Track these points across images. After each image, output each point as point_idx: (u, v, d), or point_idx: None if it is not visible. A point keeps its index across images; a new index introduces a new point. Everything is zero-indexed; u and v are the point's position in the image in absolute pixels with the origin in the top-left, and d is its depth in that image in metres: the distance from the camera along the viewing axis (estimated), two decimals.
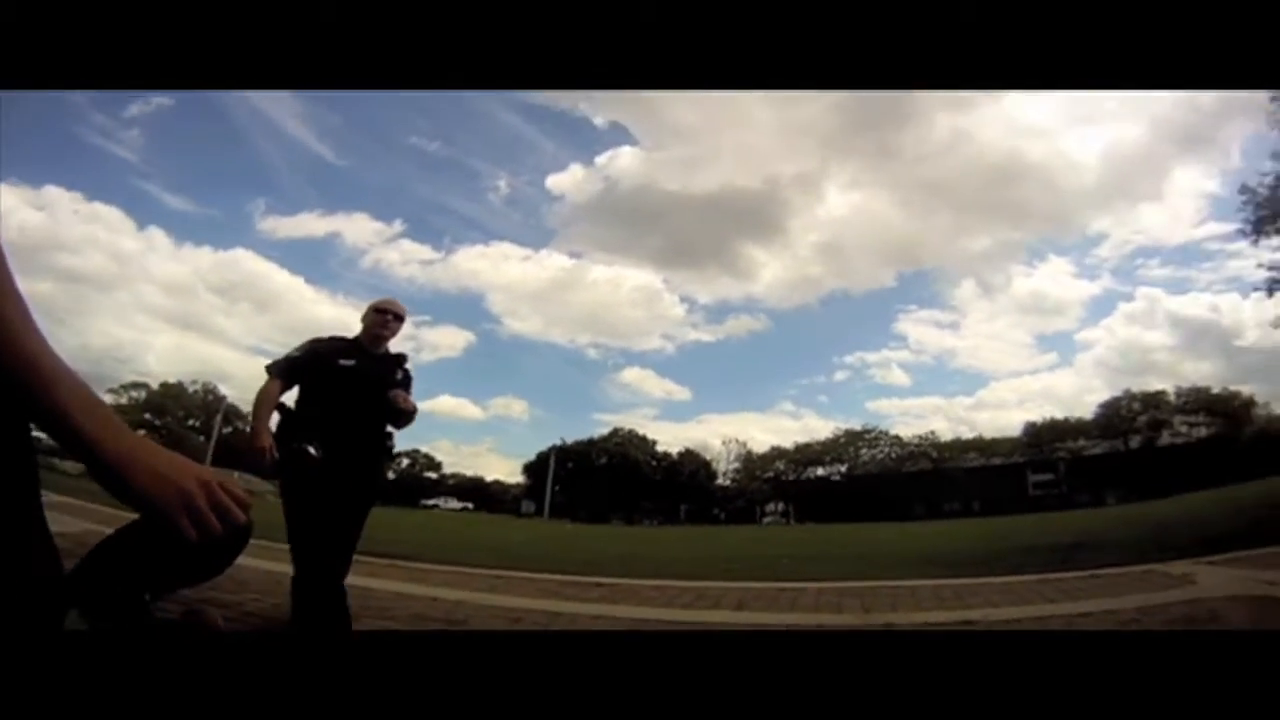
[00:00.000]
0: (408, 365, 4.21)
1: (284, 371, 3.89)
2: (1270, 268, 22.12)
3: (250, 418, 3.94)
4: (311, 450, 3.70)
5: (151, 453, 0.83)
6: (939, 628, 4.10)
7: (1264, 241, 21.87)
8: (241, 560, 1.08)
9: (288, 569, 3.62)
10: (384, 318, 4.07)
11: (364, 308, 4.17)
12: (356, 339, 4.10)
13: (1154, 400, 68.27)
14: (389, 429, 4.03)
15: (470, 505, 76.81)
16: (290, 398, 3.96)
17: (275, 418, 3.88)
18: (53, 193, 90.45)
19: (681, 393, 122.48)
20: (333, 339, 4.09)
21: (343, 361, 3.93)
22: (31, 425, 0.80)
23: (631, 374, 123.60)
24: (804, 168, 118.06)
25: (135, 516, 0.96)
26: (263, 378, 3.85)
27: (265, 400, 3.83)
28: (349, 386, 3.87)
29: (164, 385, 72.69)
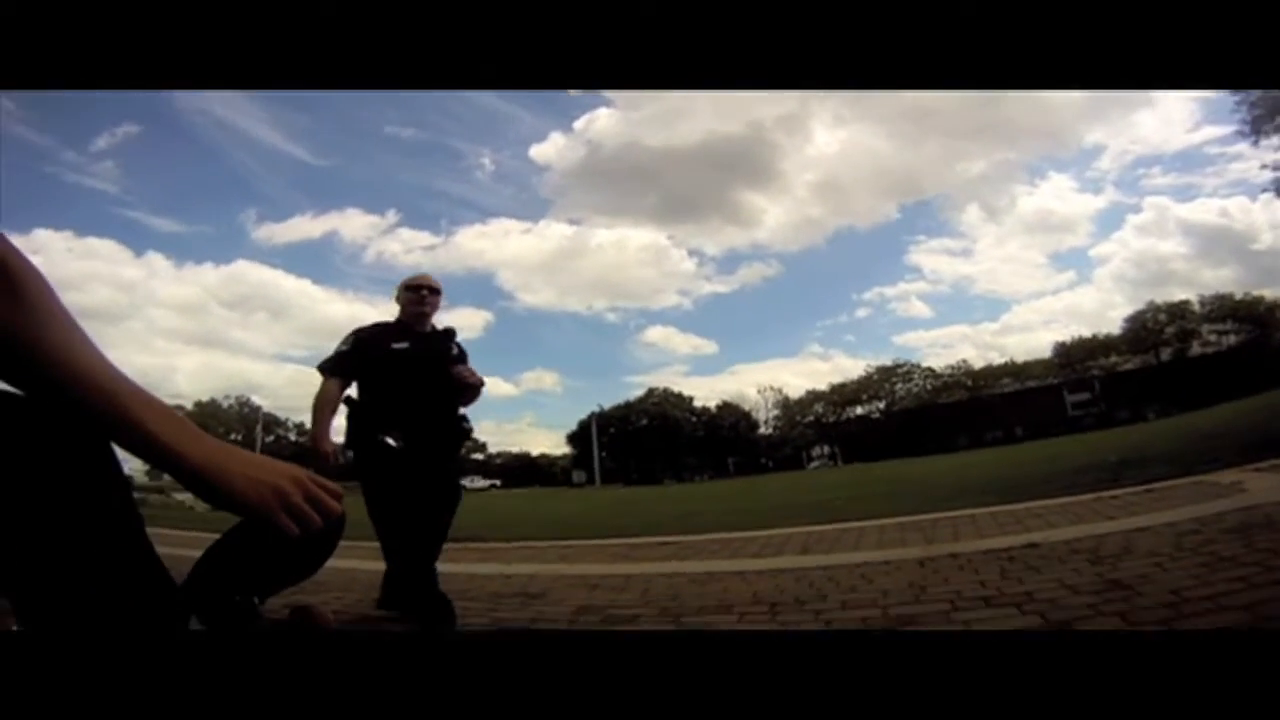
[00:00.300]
0: (458, 339, 4.04)
1: (335, 368, 3.79)
2: (1275, 168, 21.68)
3: (310, 423, 3.77)
4: (391, 441, 3.62)
5: (239, 455, 0.84)
6: (1004, 552, 4.28)
7: (1264, 141, 21.42)
8: None
9: (361, 565, 3.73)
10: (419, 294, 3.93)
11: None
12: (399, 321, 3.97)
13: (1179, 310, 67.48)
14: (461, 408, 3.92)
15: (498, 483, 77.01)
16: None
17: (340, 418, 3.80)
18: (42, 235, 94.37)
19: (708, 346, 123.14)
20: (376, 326, 3.96)
21: (395, 345, 3.81)
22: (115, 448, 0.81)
23: (655, 333, 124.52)
24: (784, 109, 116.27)
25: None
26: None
27: (324, 402, 3.72)
28: (408, 370, 3.74)
29: (198, 404, 74.68)
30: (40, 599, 0.75)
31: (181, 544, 2.90)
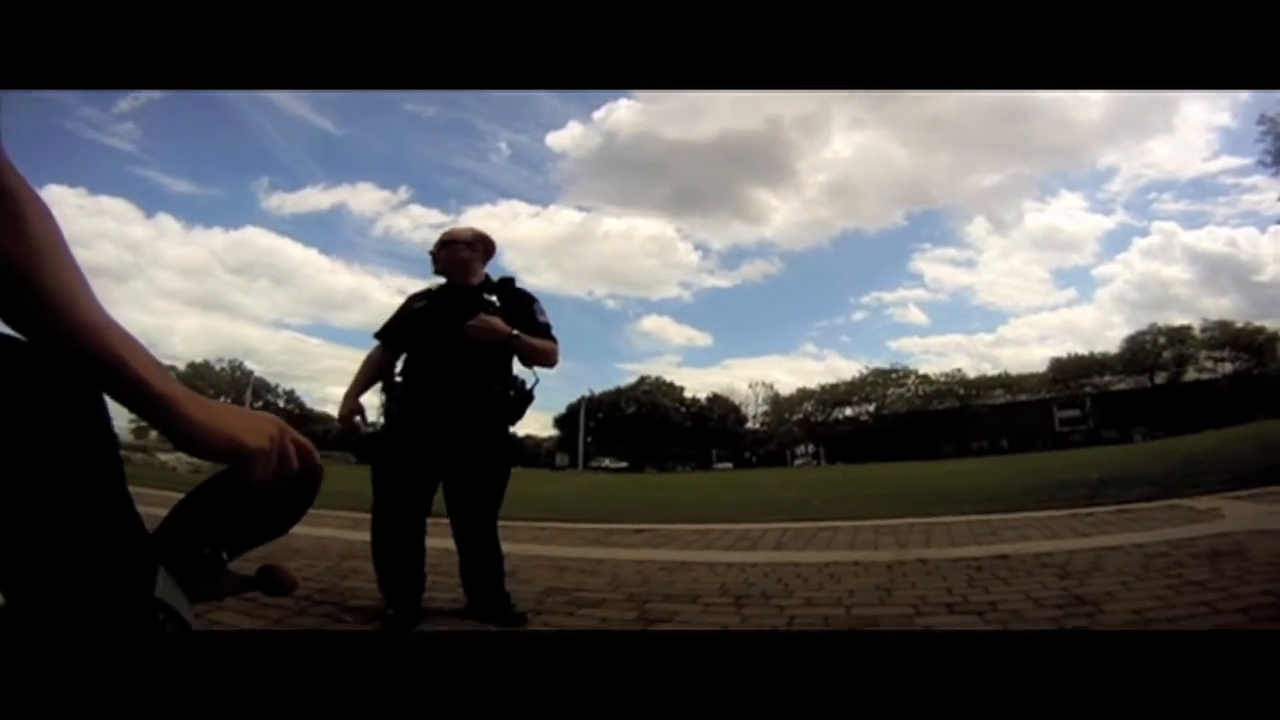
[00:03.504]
0: (502, 289, 3.55)
1: (380, 332, 3.55)
2: None
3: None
4: (359, 419, 3.43)
5: (225, 408, 0.85)
6: (974, 561, 4.28)
7: None
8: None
9: (335, 534, 3.61)
10: (436, 251, 3.56)
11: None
12: (446, 282, 3.58)
13: (1179, 335, 67.59)
14: (529, 367, 3.49)
15: None
16: None
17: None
18: (55, 191, 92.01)
19: (703, 338, 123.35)
20: (427, 289, 3.62)
21: (416, 304, 3.53)
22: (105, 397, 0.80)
23: (651, 322, 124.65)
24: (804, 109, 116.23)
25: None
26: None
27: (361, 366, 3.55)
28: (422, 331, 3.42)
29: (191, 365, 73.83)
30: (11, 547, 0.73)
31: (162, 504, 2.84)
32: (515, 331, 3.28)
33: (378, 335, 3.57)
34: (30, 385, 0.73)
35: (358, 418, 3.45)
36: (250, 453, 0.83)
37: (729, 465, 70.30)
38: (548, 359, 3.47)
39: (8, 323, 0.76)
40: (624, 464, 71.50)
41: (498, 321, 3.25)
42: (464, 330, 3.20)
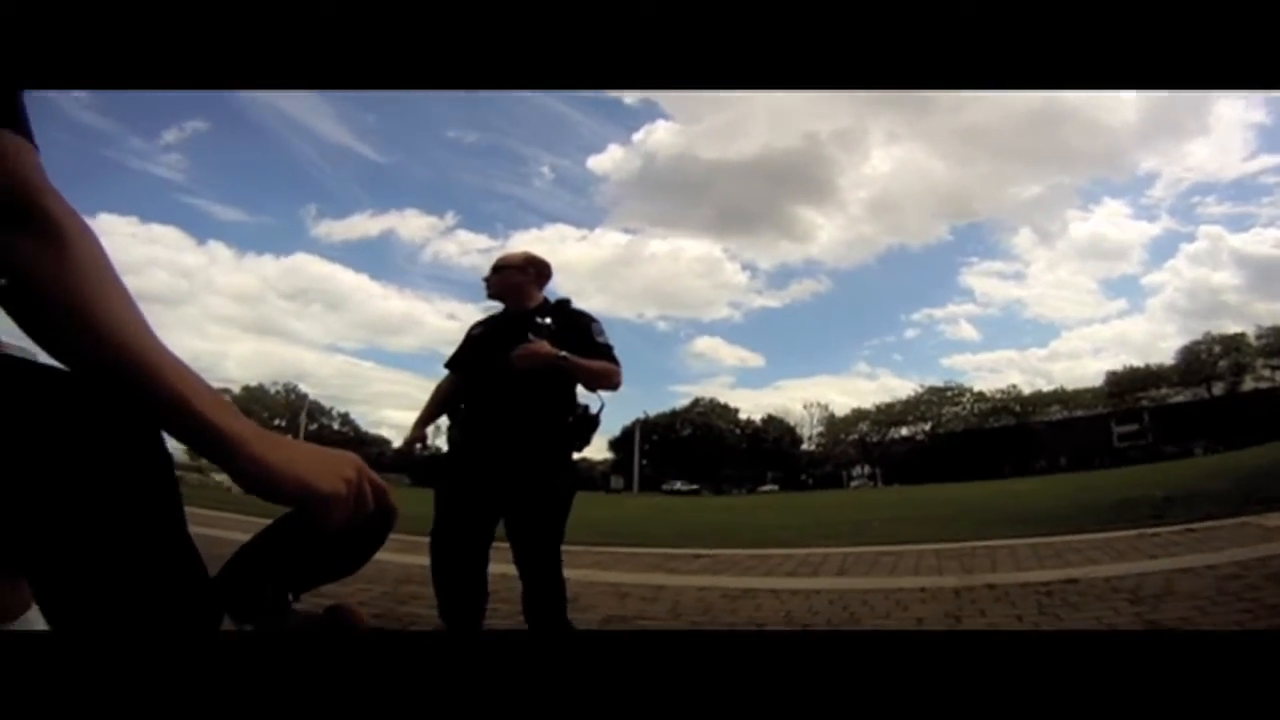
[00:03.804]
0: (557, 311, 3.47)
1: (450, 364, 3.56)
2: None
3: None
4: (419, 447, 3.47)
5: (298, 446, 0.79)
6: (1043, 586, 4.26)
7: None
8: None
9: (391, 557, 3.56)
10: (490, 276, 3.51)
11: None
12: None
13: (1234, 343, 65.53)
14: (594, 391, 3.41)
15: None
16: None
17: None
18: (106, 220, 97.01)
19: (755, 359, 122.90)
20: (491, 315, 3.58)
21: (475, 331, 3.51)
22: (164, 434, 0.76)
23: (703, 344, 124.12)
24: (840, 125, 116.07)
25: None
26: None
27: (431, 396, 3.55)
28: (480, 357, 3.38)
29: (246, 389, 75.49)
30: (69, 587, 0.72)
31: (217, 525, 2.99)
32: (563, 354, 3.16)
33: (447, 365, 3.56)
34: (82, 423, 0.69)
35: (418, 446, 3.48)
36: (324, 497, 0.77)
37: (775, 487, 69.72)
38: (606, 381, 3.35)
39: (57, 357, 0.72)
40: (695, 487, 71.03)
41: (544, 345, 3.15)
42: (512, 358, 3.12)
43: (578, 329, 3.37)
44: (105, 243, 0.77)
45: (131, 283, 0.77)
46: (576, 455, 3.48)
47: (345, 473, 0.80)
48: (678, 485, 72.13)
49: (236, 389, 74.83)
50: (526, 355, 3.12)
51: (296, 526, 0.87)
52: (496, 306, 3.55)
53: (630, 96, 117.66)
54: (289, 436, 0.84)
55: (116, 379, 0.71)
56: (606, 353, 3.40)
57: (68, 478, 0.67)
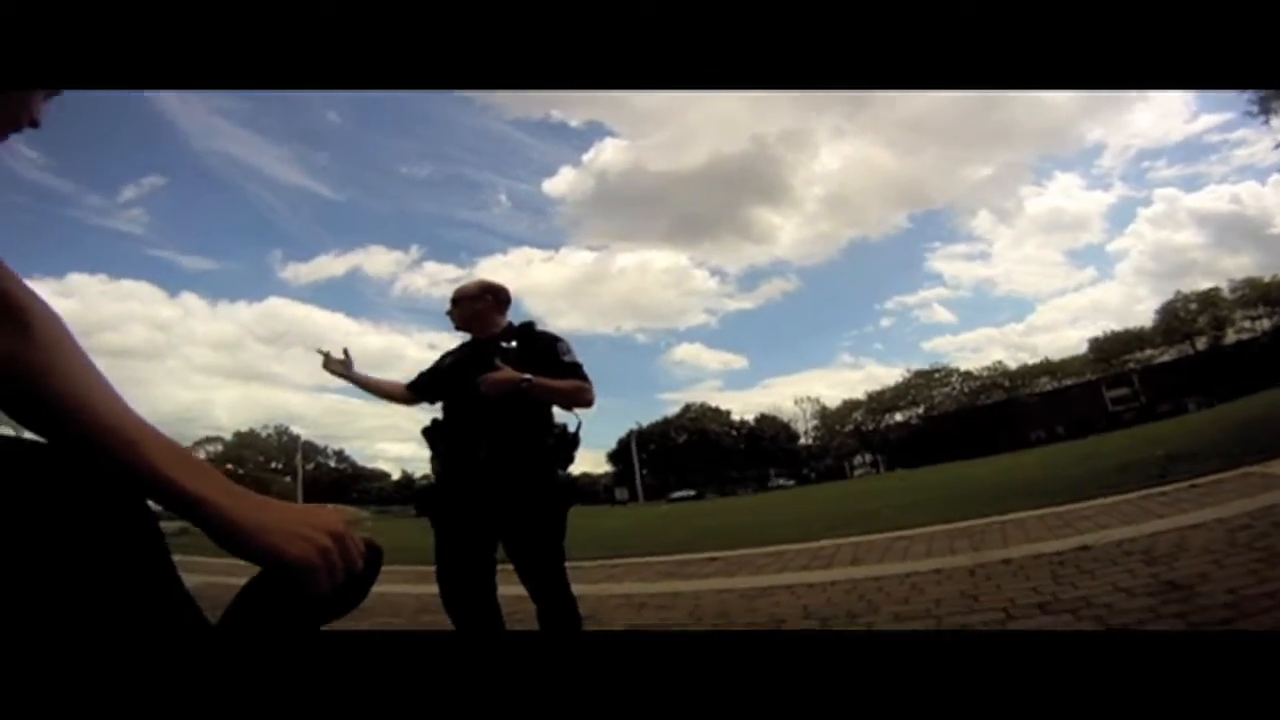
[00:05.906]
0: (521, 335, 3.52)
1: (411, 384, 3.68)
2: None
3: None
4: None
5: (272, 506, 0.79)
6: (1056, 556, 4.27)
7: (1275, 121, 20.86)
8: None
9: (409, 589, 3.57)
10: (450, 310, 3.59)
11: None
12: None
13: (1209, 299, 66.46)
14: (570, 409, 3.45)
15: None
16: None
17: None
18: (76, 279, 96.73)
19: (738, 361, 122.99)
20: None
21: (445, 360, 3.60)
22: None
23: (684, 351, 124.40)
24: (785, 125, 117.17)
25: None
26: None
27: (391, 381, 3.73)
28: (448, 386, 3.46)
29: (237, 435, 75.53)
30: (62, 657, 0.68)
31: (212, 571, 2.98)
32: (527, 377, 3.20)
33: (409, 385, 3.66)
34: (58, 492, 0.70)
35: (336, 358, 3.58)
36: (295, 563, 0.77)
37: (792, 482, 69.85)
38: (575, 398, 3.39)
39: (28, 427, 0.75)
40: (692, 492, 71.04)
41: (507, 372, 3.20)
42: (479, 386, 3.18)
43: (543, 350, 3.40)
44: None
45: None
46: (564, 473, 3.48)
47: (320, 541, 0.78)
48: (690, 493, 72.30)
49: (228, 435, 74.80)
50: (491, 384, 3.16)
51: (271, 584, 0.84)
52: None
53: (575, 119, 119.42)
54: (264, 497, 0.81)
55: (84, 447, 0.73)
56: (575, 371, 3.41)
57: (51, 550, 0.68)
